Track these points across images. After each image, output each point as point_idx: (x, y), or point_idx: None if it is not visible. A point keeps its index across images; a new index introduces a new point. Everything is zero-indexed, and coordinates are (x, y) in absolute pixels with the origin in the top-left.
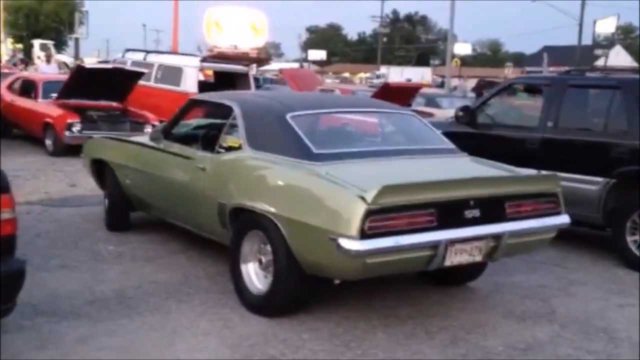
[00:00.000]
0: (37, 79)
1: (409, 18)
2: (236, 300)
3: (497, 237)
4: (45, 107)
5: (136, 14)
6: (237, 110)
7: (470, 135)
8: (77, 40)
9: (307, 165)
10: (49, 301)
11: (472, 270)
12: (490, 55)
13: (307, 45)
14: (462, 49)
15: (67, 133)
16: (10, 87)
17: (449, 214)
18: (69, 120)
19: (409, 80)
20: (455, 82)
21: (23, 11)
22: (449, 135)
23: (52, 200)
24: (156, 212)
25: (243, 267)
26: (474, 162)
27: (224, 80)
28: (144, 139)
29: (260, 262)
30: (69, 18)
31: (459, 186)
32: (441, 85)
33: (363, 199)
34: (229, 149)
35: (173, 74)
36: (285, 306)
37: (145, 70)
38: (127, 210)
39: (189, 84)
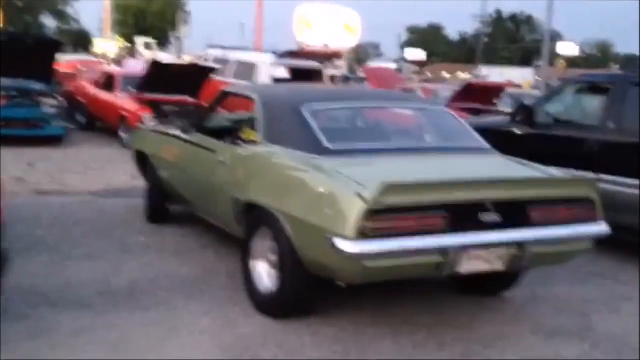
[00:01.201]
0: (117, 73)
1: (513, 17)
2: (248, 299)
3: (520, 244)
4: (123, 100)
5: (239, 14)
6: (257, 102)
7: (527, 136)
8: (179, 39)
9: (316, 160)
10: (59, 290)
11: (505, 279)
12: (600, 57)
13: (407, 45)
14: (567, 49)
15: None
16: (95, 82)
17: (463, 217)
18: (142, 114)
19: (509, 81)
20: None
21: (132, 11)
22: (504, 135)
23: (108, 191)
24: (186, 205)
25: (253, 265)
26: (506, 162)
27: (300, 78)
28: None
29: (269, 260)
30: (174, 18)
31: (474, 187)
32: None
33: (361, 197)
34: (249, 142)
35: (248, 70)
36: (290, 307)
37: (218, 66)
38: (164, 202)
39: (262, 80)
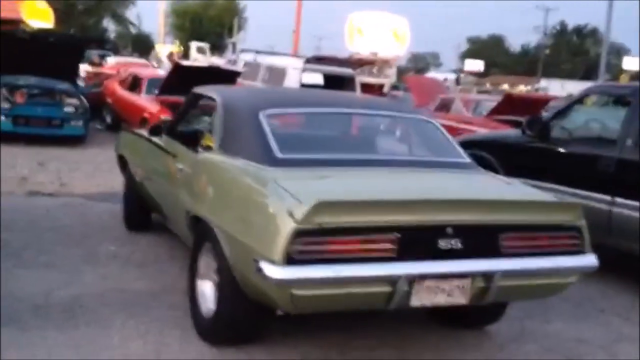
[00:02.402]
0: (144, 75)
1: (578, 30)
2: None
3: (487, 276)
4: (146, 102)
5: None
6: (217, 104)
7: (539, 151)
8: (234, 44)
9: (262, 171)
10: None
11: (490, 311)
12: None
13: (467, 55)
14: (634, 63)
15: None
16: (121, 83)
17: (417, 242)
18: (163, 117)
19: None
20: None
21: (189, 15)
22: (514, 148)
23: (104, 195)
24: (157, 212)
25: (198, 284)
26: (485, 180)
27: (332, 84)
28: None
29: (214, 280)
30: (230, 23)
31: (432, 208)
32: None
33: (292, 215)
34: (206, 148)
35: (277, 74)
36: (229, 334)
37: (241, 70)
38: (141, 208)
39: (291, 85)
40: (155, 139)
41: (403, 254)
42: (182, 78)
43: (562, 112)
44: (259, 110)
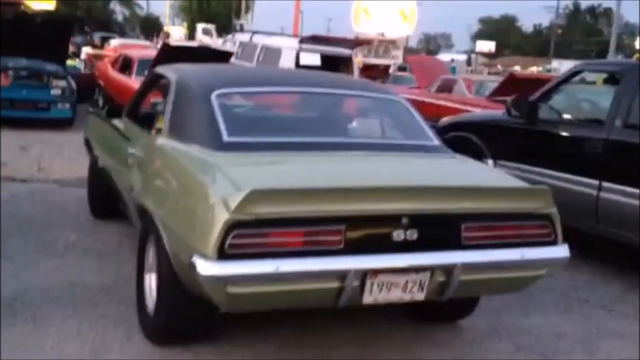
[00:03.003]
0: (134, 56)
1: (591, 10)
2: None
3: (447, 269)
4: (136, 83)
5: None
6: (171, 84)
7: (526, 133)
8: (241, 26)
9: (208, 156)
10: None
11: (461, 305)
12: None
13: (478, 36)
14: None
15: None
16: (113, 64)
17: (368, 234)
18: (153, 100)
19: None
20: None
21: None
22: (500, 130)
23: (79, 180)
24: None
25: (146, 279)
26: (454, 165)
27: (329, 65)
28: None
29: None
30: (238, 5)
31: (384, 197)
32: None
33: (227, 205)
34: (158, 131)
35: (273, 54)
36: (172, 333)
37: (232, 51)
38: (106, 194)
39: (286, 66)
40: (115, 121)
41: (352, 247)
42: (171, 59)
43: (550, 92)
44: (211, 90)
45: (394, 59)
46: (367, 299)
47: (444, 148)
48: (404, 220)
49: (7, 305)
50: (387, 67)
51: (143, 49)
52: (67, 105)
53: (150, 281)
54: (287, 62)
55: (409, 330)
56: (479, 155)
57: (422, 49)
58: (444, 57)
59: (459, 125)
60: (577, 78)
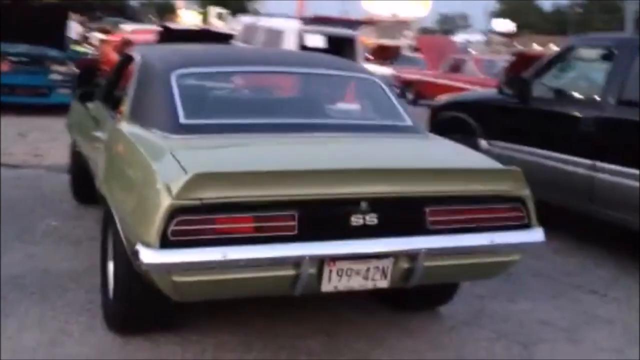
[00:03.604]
0: (135, 40)
1: None
2: None
3: (410, 255)
4: None
5: None
6: (136, 64)
7: (519, 112)
8: (256, 10)
9: (162, 140)
10: None
11: (438, 291)
12: None
13: (496, 15)
14: None
15: None
16: (115, 48)
17: (324, 219)
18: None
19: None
20: None
21: None
22: (493, 109)
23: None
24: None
25: (109, 266)
26: (421, 145)
27: (333, 47)
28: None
29: None
30: None
31: (340, 180)
32: None
33: (169, 190)
34: (121, 114)
35: (274, 36)
36: (129, 321)
37: (234, 33)
38: (86, 179)
39: (289, 47)
40: (91, 105)
41: (306, 233)
42: (170, 42)
43: (543, 69)
44: (171, 70)
45: (405, 39)
46: (326, 287)
47: (417, 128)
48: (363, 205)
49: None
50: (398, 47)
51: (151, 33)
52: (68, 91)
53: (111, 269)
54: (289, 43)
55: (383, 318)
56: (472, 136)
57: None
58: (459, 37)
59: (454, 105)
60: (572, 54)
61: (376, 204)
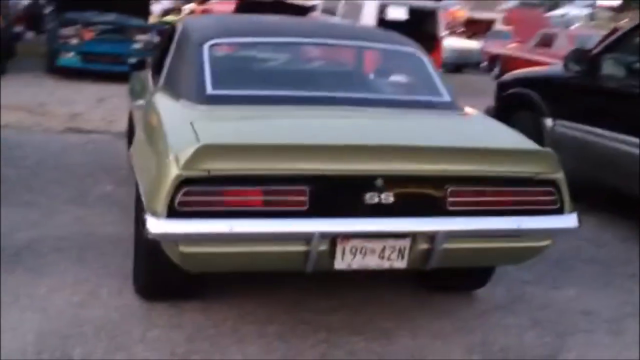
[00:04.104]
0: (214, 10)
1: None
2: None
3: (430, 237)
4: None
5: None
6: (176, 34)
7: (586, 90)
8: None
9: (188, 110)
10: None
11: (475, 273)
12: None
13: None
14: None
15: None
16: None
17: (337, 195)
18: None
19: None
20: None
21: None
22: (560, 86)
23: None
24: None
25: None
26: (455, 122)
27: (415, 19)
28: None
29: None
30: None
31: (355, 155)
32: None
33: (177, 160)
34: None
35: (354, 9)
36: (150, 287)
37: (310, 4)
38: None
39: (367, 21)
40: (141, 73)
41: (317, 209)
42: (247, 12)
43: (615, 44)
44: (204, 40)
45: (500, 13)
46: (339, 264)
47: (454, 105)
48: (378, 182)
49: (14, 253)
50: (491, 21)
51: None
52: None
53: None
54: (367, 17)
55: (415, 298)
56: (537, 114)
57: (538, 4)
58: (560, 11)
59: (520, 81)
60: None
61: (393, 182)
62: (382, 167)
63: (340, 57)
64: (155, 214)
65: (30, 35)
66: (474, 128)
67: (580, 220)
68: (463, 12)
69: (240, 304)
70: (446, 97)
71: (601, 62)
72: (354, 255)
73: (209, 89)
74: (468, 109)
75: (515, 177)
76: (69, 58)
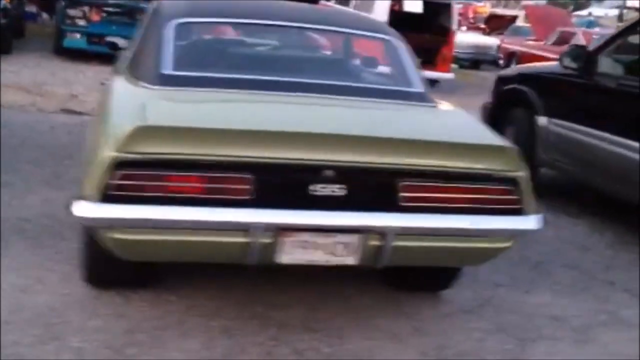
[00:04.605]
0: None
1: None
2: None
3: (381, 233)
4: None
5: None
6: (147, 14)
7: (581, 89)
8: None
9: (142, 92)
10: None
11: (440, 274)
12: None
13: None
14: None
15: None
16: None
17: (282, 185)
18: None
19: None
20: None
21: None
22: (555, 84)
23: None
24: None
25: None
26: (423, 115)
27: (430, 14)
28: None
29: None
30: None
31: (300, 144)
32: None
33: (114, 142)
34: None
35: (367, 1)
36: (94, 275)
37: None
38: None
39: (379, 14)
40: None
41: (261, 199)
42: None
43: (613, 42)
44: (170, 19)
45: (523, 9)
46: (283, 258)
47: (426, 96)
48: (327, 173)
49: None
50: (513, 17)
51: None
52: None
53: None
54: (379, 9)
55: (377, 297)
56: (532, 111)
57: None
58: (587, 11)
59: (518, 77)
60: None
61: (343, 173)
62: (332, 158)
63: (312, 42)
64: (87, 197)
65: (45, 17)
66: (439, 121)
67: (543, 222)
68: (485, 8)
69: (192, 295)
70: (418, 88)
71: (598, 60)
72: (300, 249)
73: (168, 69)
74: (441, 102)
75: (473, 174)
76: (75, 39)
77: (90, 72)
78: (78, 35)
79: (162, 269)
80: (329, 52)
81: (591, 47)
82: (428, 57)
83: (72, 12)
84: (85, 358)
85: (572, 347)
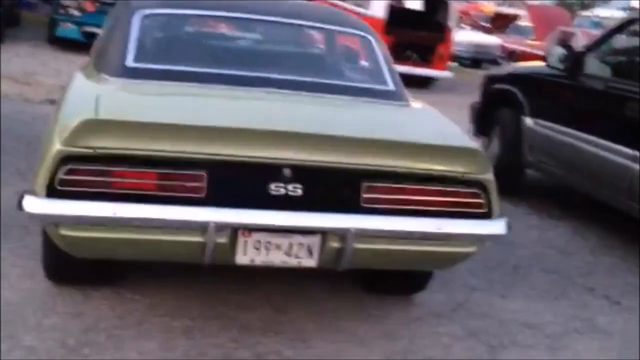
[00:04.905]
0: None
1: None
2: None
3: (340, 235)
4: None
5: None
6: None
7: (567, 90)
8: None
9: (99, 85)
10: None
11: (411, 277)
12: None
13: None
14: None
15: None
16: None
17: (240, 184)
18: None
19: None
20: None
21: None
22: (542, 85)
23: None
24: None
25: None
26: (391, 113)
27: (430, 10)
28: None
29: None
30: None
31: (258, 142)
32: None
33: (61, 136)
34: None
35: None
36: (53, 272)
37: None
38: None
39: (375, 8)
40: None
41: (216, 197)
42: None
43: (599, 43)
44: (136, 10)
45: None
46: (241, 259)
47: (397, 94)
48: (286, 172)
49: None
50: (515, 16)
51: None
52: None
53: None
54: (377, 3)
55: (346, 300)
56: (519, 112)
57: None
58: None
59: (507, 77)
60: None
61: (302, 173)
62: (291, 156)
63: (283, 37)
64: (35, 192)
65: (46, 7)
66: (407, 120)
67: (509, 227)
68: (489, 7)
69: (154, 294)
70: (390, 86)
71: (585, 62)
72: (258, 250)
73: (130, 61)
74: (414, 101)
75: (438, 176)
76: (67, 29)
77: (82, 63)
78: (70, 25)
79: (126, 266)
80: (300, 48)
81: (578, 48)
82: (424, 54)
83: (66, 1)
84: (37, 357)
85: (545, 354)
